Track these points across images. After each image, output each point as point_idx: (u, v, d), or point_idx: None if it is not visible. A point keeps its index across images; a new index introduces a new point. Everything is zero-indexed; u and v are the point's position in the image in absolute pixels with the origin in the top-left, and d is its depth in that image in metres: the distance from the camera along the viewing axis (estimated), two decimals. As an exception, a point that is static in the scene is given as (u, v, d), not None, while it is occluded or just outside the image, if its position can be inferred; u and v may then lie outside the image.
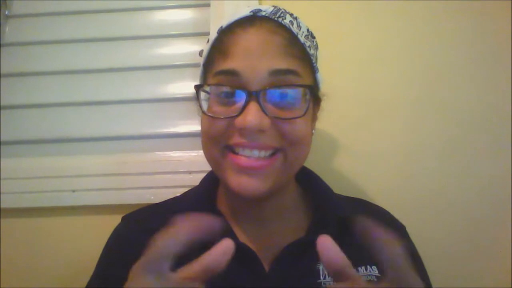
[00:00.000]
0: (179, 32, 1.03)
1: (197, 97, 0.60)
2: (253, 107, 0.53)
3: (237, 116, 0.54)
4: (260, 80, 0.55)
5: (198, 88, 0.59)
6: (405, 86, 0.91)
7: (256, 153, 0.56)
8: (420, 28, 0.92)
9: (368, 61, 0.93)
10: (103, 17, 1.05)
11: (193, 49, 1.00)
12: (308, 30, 0.62)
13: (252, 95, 0.54)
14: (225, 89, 0.56)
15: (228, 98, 0.56)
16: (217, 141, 0.58)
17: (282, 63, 0.56)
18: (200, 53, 0.66)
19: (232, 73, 0.55)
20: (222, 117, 0.56)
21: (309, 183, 0.71)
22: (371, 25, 0.94)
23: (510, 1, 0.89)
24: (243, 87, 0.55)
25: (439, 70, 0.90)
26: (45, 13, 1.06)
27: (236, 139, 0.56)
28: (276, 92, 0.55)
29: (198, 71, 0.66)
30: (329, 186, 0.71)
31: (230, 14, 0.61)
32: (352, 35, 0.94)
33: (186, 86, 1.00)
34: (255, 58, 0.55)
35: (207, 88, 0.59)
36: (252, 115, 0.53)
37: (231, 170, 0.57)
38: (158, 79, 1.01)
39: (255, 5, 0.60)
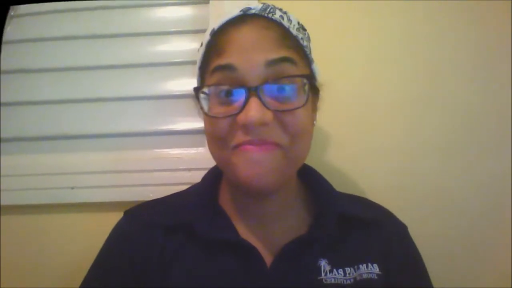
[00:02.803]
0: (178, 29, 1.02)
1: (197, 99, 0.59)
2: (253, 102, 0.54)
3: (238, 113, 0.55)
4: (258, 74, 0.55)
5: (197, 90, 0.60)
6: (405, 85, 0.91)
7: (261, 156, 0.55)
8: (420, 28, 0.92)
9: (369, 60, 0.93)
10: (102, 14, 1.04)
11: (192, 46, 1.00)
12: (298, 23, 0.62)
13: (252, 91, 0.54)
14: (224, 87, 0.57)
15: (227, 97, 0.56)
16: (223, 143, 0.58)
17: (278, 53, 0.56)
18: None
19: (229, 67, 0.56)
20: (223, 116, 0.56)
21: (310, 180, 0.71)
22: (371, 25, 0.94)
23: (510, 1, 0.89)
24: (241, 84, 0.55)
25: (439, 70, 0.90)
26: (45, 11, 1.05)
27: (240, 138, 0.56)
28: (275, 85, 0.56)
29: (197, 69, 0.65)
30: (330, 183, 0.71)
31: (221, 16, 0.62)
32: (352, 34, 0.94)
33: (185, 83, 0.99)
34: (250, 53, 0.55)
35: (205, 89, 0.59)
36: (254, 110, 0.53)
37: (240, 163, 0.56)
38: (157, 76, 1.00)
39: (244, 4, 0.61)
